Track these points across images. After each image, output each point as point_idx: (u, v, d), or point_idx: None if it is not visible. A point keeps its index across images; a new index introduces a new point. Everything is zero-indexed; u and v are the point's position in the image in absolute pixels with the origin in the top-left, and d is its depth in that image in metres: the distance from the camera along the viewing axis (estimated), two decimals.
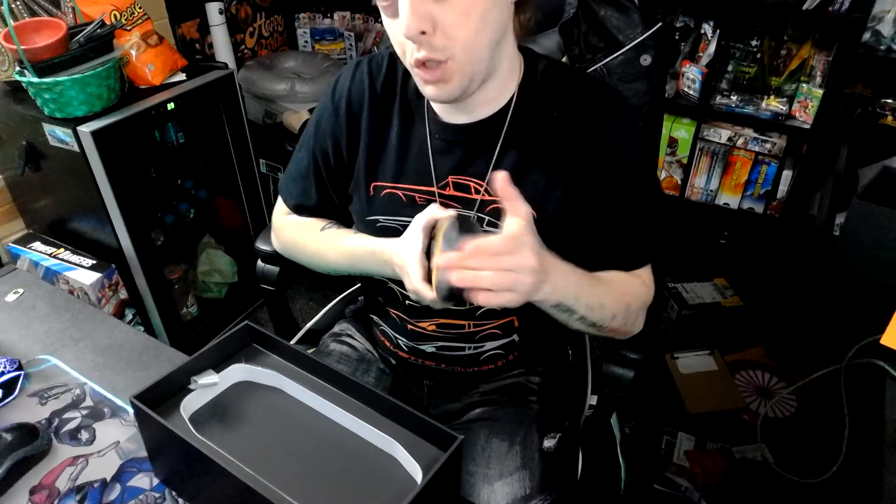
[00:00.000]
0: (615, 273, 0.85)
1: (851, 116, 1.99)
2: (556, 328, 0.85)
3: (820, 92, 1.95)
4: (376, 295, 0.99)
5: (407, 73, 0.85)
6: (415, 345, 0.97)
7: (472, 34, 0.70)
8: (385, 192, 0.87)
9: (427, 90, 0.76)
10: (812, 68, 2.00)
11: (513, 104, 0.81)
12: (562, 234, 0.81)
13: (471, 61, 0.72)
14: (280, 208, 1.03)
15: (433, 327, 0.94)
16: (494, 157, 0.82)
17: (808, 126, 2.01)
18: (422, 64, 0.71)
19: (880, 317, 1.06)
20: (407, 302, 0.93)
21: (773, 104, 2.04)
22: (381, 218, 0.88)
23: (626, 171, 0.82)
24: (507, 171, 0.75)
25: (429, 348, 0.97)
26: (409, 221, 0.82)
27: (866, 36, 1.89)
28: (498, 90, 0.80)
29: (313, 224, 0.96)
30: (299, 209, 0.98)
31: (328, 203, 0.96)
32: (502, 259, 0.63)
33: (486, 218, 0.84)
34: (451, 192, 0.84)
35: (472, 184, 0.84)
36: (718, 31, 2.07)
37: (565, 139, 0.81)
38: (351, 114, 0.88)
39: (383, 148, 0.87)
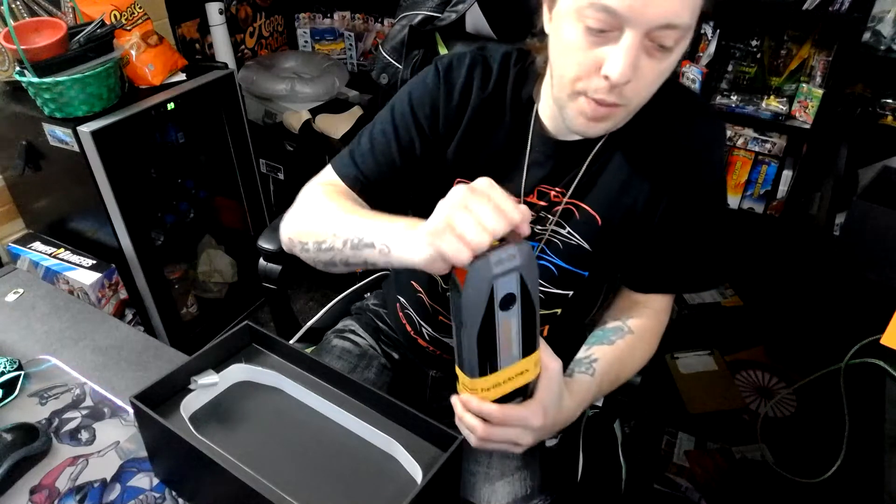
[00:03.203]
0: (632, 338, 0.85)
1: (851, 116, 1.99)
2: (577, 343, 0.87)
3: (820, 92, 1.95)
4: (410, 278, 0.98)
5: (517, 79, 0.84)
6: (439, 336, 0.98)
7: (654, 90, 0.71)
8: None
9: (578, 121, 0.72)
10: (812, 68, 2.00)
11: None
12: (632, 231, 0.84)
13: (636, 111, 0.73)
14: (315, 184, 0.88)
15: None
16: (583, 170, 0.82)
17: (808, 126, 2.01)
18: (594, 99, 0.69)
19: (880, 317, 1.06)
20: (447, 294, 0.93)
21: (773, 104, 2.04)
22: None
23: (703, 184, 0.83)
24: (591, 172, 0.81)
25: (452, 342, 0.96)
26: None
27: (866, 36, 1.88)
28: None
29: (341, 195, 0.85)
30: (358, 185, 0.86)
31: (399, 188, 0.88)
32: (508, 430, 0.66)
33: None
34: (533, 199, 0.85)
35: (552, 192, 0.84)
36: (718, 31, 2.07)
37: (652, 144, 0.81)
38: (461, 104, 0.85)
39: (481, 148, 0.85)
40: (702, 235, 0.86)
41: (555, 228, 0.85)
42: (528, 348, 0.64)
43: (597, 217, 0.83)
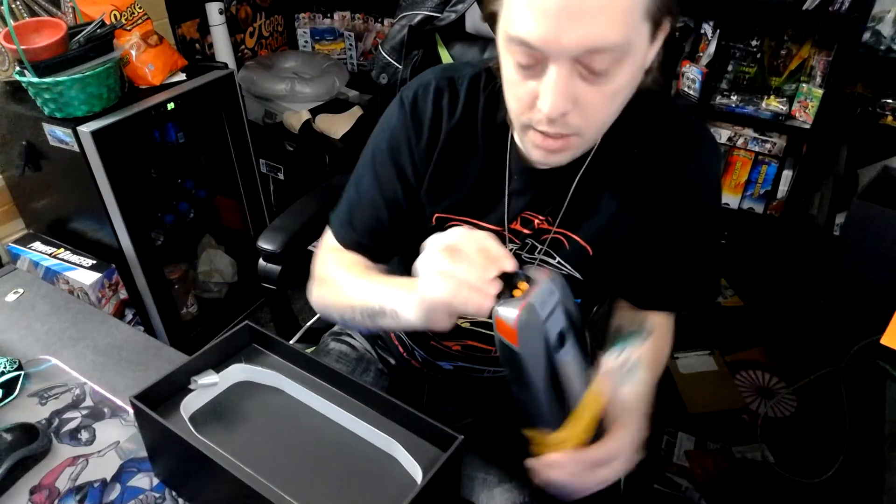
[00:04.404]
0: (654, 343, 0.84)
1: (851, 116, 1.99)
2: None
3: (820, 92, 1.95)
4: None
5: (489, 103, 0.79)
6: (432, 360, 0.97)
7: (608, 116, 0.67)
8: (451, 224, 0.82)
9: (535, 153, 0.69)
10: (812, 68, 2.00)
11: (595, 147, 0.77)
12: (625, 260, 0.82)
13: (596, 137, 0.71)
14: (325, 252, 0.89)
15: (458, 348, 0.92)
16: (570, 196, 0.79)
17: (808, 126, 2.01)
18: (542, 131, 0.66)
19: (880, 317, 1.06)
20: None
21: (773, 104, 2.04)
22: None
23: (696, 214, 0.81)
24: (580, 202, 0.78)
25: (446, 365, 0.96)
26: None
27: (866, 36, 1.89)
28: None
29: (346, 264, 0.84)
30: (360, 248, 0.86)
31: (399, 237, 0.86)
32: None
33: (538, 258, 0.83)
34: (516, 226, 0.82)
35: (536, 220, 0.81)
36: (718, 31, 2.07)
37: (644, 173, 0.78)
38: (432, 138, 0.81)
39: (457, 180, 0.81)
40: (699, 257, 0.85)
41: (543, 258, 0.82)
42: (587, 378, 0.60)
43: (588, 248, 0.80)
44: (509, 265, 0.58)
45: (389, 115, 0.83)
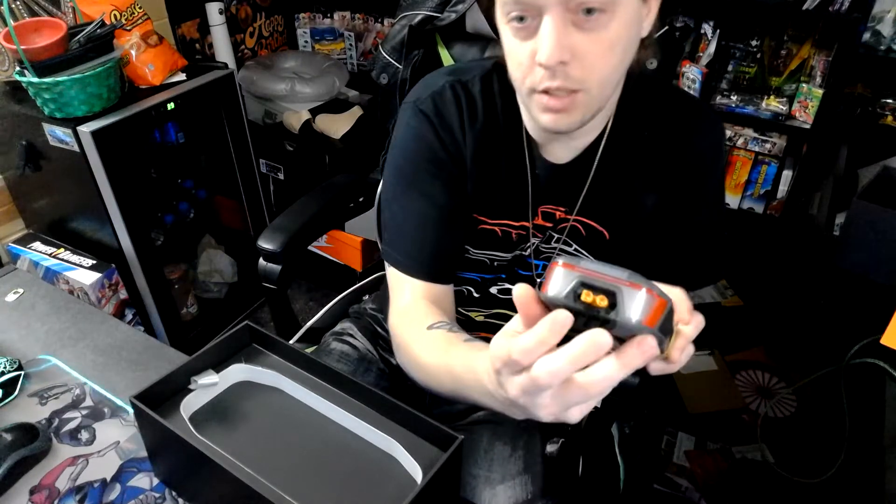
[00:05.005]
0: None
1: (851, 116, 1.99)
2: None
3: (820, 92, 1.95)
4: None
5: (506, 102, 0.80)
6: None
7: (611, 68, 0.67)
8: (480, 227, 0.85)
9: (544, 118, 0.69)
10: (812, 68, 2.00)
11: (608, 130, 0.79)
12: (642, 241, 0.84)
13: (601, 95, 0.70)
14: (399, 299, 0.82)
15: (481, 318, 0.93)
16: (588, 184, 0.81)
17: (808, 126, 2.01)
18: (546, 90, 0.66)
19: (880, 317, 1.06)
20: (465, 291, 0.92)
21: (773, 104, 2.04)
22: (471, 249, 0.88)
23: (705, 193, 0.84)
24: (598, 189, 0.81)
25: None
26: (501, 257, 0.85)
27: (866, 36, 1.89)
28: (602, 116, 0.77)
29: (420, 320, 0.77)
30: (437, 275, 0.82)
31: (461, 248, 0.86)
32: None
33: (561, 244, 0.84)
34: (539, 221, 0.84)
35: (557, 212, 0.84)
36: (718, 31, 2.07)
37: (657, 154, 0.81)
38: (463, 143, 0.81)
39: (487, 182, 0.83)
40: (707, 235, 0.87)
41: (562, 247, 0.85)
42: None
43: (604, 232, 0.83)
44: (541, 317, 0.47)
45: (414, 130, 0.82)
